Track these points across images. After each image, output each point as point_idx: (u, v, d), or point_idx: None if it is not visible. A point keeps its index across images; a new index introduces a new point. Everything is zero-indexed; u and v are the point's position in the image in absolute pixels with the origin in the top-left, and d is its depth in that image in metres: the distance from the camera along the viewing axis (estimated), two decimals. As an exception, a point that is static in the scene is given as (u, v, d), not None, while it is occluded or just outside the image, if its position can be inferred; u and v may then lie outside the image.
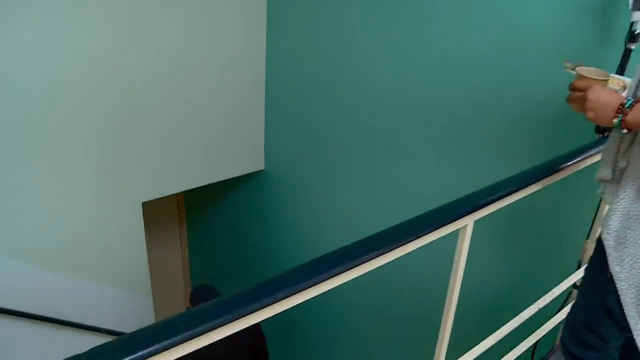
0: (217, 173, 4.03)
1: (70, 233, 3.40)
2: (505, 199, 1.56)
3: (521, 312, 2.07)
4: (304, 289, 1.13)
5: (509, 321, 2.02)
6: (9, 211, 3.06)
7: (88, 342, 3.73)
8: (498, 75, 2.61)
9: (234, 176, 4.17)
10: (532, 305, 2.11)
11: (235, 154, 4.09)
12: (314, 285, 1.15)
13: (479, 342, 1.90)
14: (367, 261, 1.23)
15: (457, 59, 2.75)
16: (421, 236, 1.35)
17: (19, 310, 3.29)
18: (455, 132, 2.86)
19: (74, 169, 3.26)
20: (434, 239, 1.39)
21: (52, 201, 3.23)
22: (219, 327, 1.00)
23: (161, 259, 5.86)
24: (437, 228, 1.39)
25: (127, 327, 3.97)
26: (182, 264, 6.14)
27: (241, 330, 2.90)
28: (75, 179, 3.29)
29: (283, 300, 1.10)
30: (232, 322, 1.02)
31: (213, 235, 5.44)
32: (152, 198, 3.68)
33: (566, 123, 2.41)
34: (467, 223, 1.49)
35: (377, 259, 1.25)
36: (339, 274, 1.19)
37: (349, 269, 1.20)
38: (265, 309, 1.07)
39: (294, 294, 1.11)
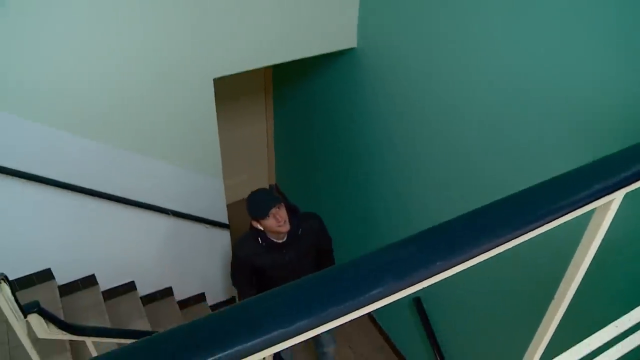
0: (300, 49, 3.49)
1: (135, 108, 3.11)
2: None
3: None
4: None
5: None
6: (70, 85, 2.82)
7: (154, 222, 3.58)
8: None
9: (321, 53, 3.62)
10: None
11: (323, 28, 3.50)
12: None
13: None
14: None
15: None
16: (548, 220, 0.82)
17: (85, 187, 3.21)
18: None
19: (140, 36, 2.88)
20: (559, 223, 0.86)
21: (113, 74, 2.92)
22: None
23: (245, 134, 5.58)
24: (569, 209, 0.85)
25: (195, 210, 3.76)
26: (266, 141, 5.83)
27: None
28: (141, 48, 2.92)
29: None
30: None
31: (299, 115, 5.03)
32: (225, 74, 3.26)
33: None
34: (614, 198, 0.93)
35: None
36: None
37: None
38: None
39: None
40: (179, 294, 4.36)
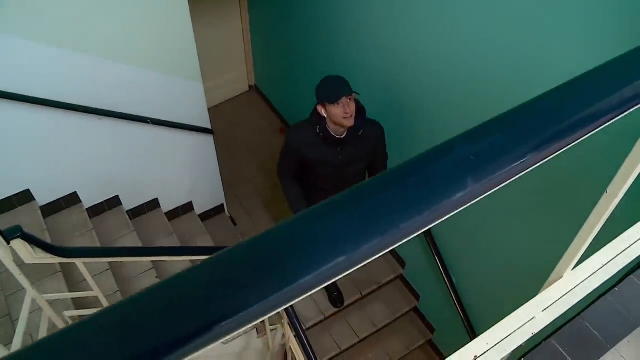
0: None
1: (103, 9, 2.80)
2: None
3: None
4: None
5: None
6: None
7: (133, 132, 3.37)
8: None
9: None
10: None
11: None
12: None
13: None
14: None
15: None
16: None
17: (58, 101, 2.98)
18: None
19: None
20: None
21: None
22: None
23: (221, 34, 5.23)
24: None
25: (175, 116, 3.54)
26: (243, 40, 5.49)
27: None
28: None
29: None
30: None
31: (277, 10, 4.69)
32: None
33: None
34: None
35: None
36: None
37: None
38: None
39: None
40: (166, 205, 4.23)
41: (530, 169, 0.54)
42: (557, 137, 0.56)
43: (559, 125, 0.56)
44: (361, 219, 0.45)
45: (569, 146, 0.58)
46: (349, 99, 2.60)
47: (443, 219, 0.52)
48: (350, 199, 0.46)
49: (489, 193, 0.53)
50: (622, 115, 0.62)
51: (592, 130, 0.59)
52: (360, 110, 2.74)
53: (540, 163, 0.56)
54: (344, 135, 2.76)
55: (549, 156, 0.54)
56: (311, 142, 2.80)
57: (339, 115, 2.59)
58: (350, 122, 2.63)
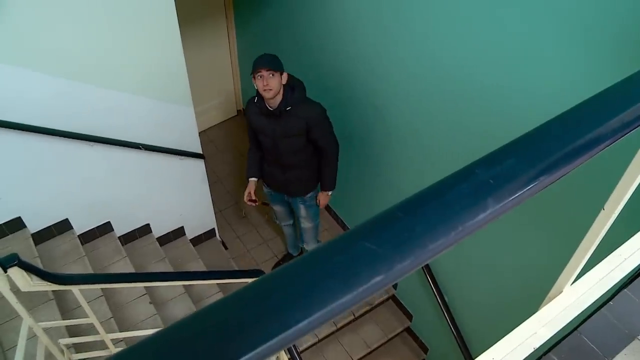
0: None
1: (93, 36, 2.82)
2: None
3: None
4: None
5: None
6: (20, 17, 2.54)
7: (125, 158, 3.38)
8: None
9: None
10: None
11: None
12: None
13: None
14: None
15: None
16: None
17: (49, 127, 2.99)
18: None
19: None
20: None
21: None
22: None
23: (208, 59, 5.27)
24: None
25: (167, 142, 3.56)
26: (231, 64, 5.54)
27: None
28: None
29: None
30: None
31: (265, 36, 4.74)
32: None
33: None
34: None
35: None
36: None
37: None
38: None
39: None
40: (158, 230, 4.22)
41: (544, 188, 0.58)
42: (565, 159, 0.59)
43: (565, 149, 0.60)
44: (394, 241, 0.48)
45: (574, 168, 0.62)
46: (269, 75, 2.84)
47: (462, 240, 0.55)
48: (382, 222, 0.50)
49: (505, 213, 0.57)
50: (623, 138, 0.67)
51: (597, 152, 0.63)
52: (292, 87, 3.03)
53: (551, 183, 0.60)
54: (275, 108, 3.02)
55: (560, 177, 0.58)
56: (255, 112, 3.14)
57: (259, 87, 2.90)
58: (267, 95, 2.92)
